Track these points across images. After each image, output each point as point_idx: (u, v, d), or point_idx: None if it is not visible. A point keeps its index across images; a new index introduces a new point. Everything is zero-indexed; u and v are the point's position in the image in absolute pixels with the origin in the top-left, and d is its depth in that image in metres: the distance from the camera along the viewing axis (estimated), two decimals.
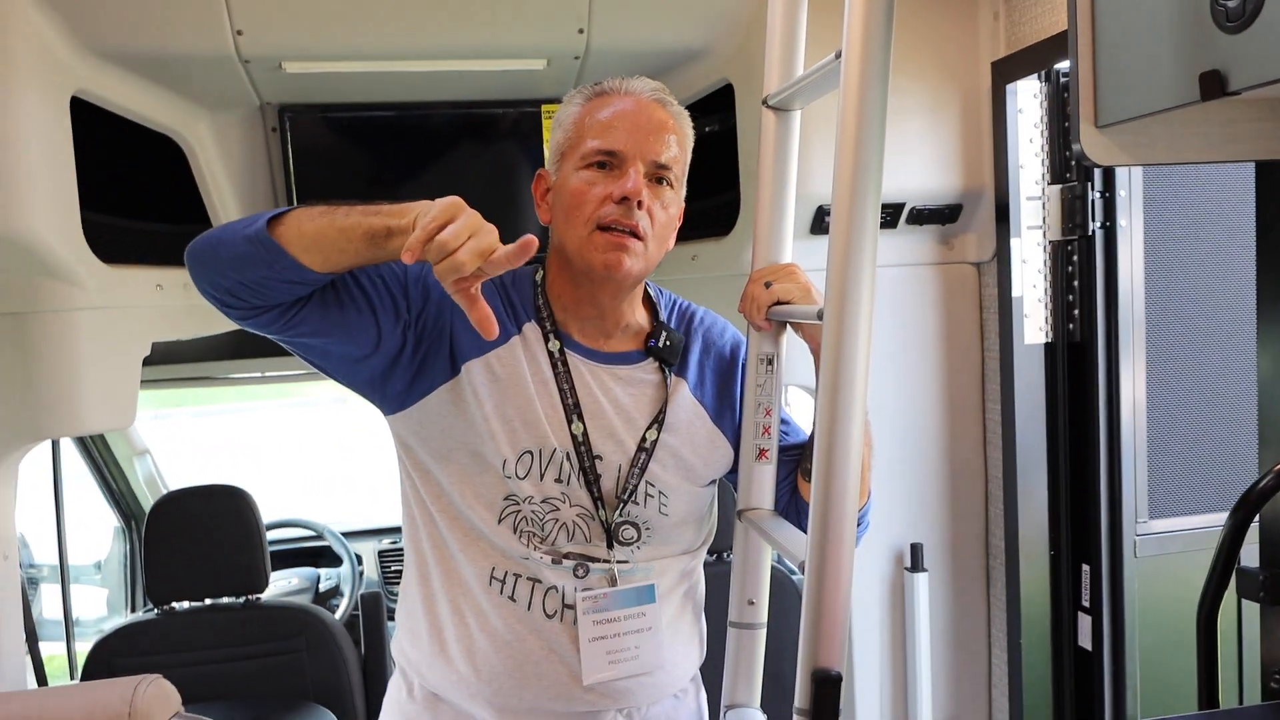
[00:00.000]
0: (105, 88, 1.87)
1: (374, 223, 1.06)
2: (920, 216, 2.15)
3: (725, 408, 1.34)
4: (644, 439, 1.27)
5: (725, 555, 2.25)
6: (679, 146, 1.25)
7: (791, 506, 1.34)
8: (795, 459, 1.34)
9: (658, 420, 1.28)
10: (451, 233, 0.98)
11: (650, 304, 1.36)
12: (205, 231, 1.15)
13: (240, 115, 2.17)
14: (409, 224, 1.03)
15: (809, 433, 1.34)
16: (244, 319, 1.16)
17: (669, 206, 1.25)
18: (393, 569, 3.41)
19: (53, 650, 2.73)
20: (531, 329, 1.27)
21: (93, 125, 1.86)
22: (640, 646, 1.27)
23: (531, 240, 0.98)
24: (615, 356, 1.30)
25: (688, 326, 1.36)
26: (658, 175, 1.23)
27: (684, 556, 1.34)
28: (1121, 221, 1.96)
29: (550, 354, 1.26)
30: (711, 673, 1.39)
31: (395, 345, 1.21)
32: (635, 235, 1.21)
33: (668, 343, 1.31)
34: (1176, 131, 1.11)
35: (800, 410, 1.63)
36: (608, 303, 1.28)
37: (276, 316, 1.14)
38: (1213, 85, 0.93)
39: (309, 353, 1.23)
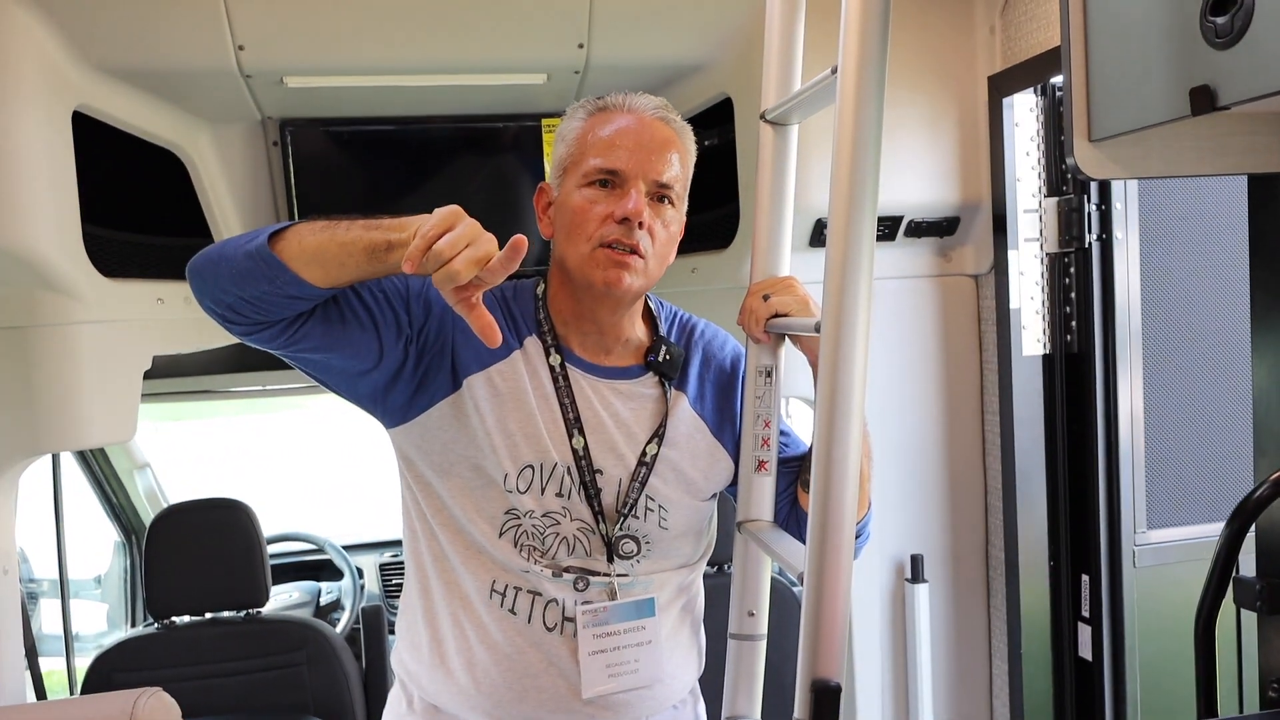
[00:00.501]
0: (107, 102, 1.87)
1: (374, 237, 1.06)
2: (918, 229, 2.16)
3: (725, 421, 1.35)
4: (644, 453, 1.28)
5: (725, 567, 2.25)
6: (680, 164, 1.25)
7: (791, 518, 1.34)
8: (795, 471, 1.34)
9: (658, 434, 1.29)
10: (448, 241, 0.98)
11: (651, 317, 1.37)
12: (206, 247, 1.15)
13: (242, 129, 2.18)
14: (409, 237, 1.03)
15: (809, 444, 1.35)
16: (246, 334, 1.16)
17: (670, 224, 1.26)
18: (394, 582, 3.40)
19: (52, 665, 2.72)
20: (533, 343, 1.28)
21: (94, 139, 1.86)
22: (639, 660, 1.27)
23: (521, 240, 0.97)
24: (615, 371, 1.30)
25: (688, 339, 1.37)
26: (659, 194, 1.23)
27: (683, 570, 1.34)
28: (1118, 234, 1.97)
29: (551, 368, 1.27)
30: (712, 684, 1.39)
31: (397, 360, 1.21)
32: (636, 253, 1.21)
33: (667, 357, 1.31)
34: (1169, 145, 1.12)
35: (801, 422, 1.64)
36: (607, 318, 1.28)
37: (279, 332, 1.14)
38: (1203, 100, 0.94)
39: (311, 367, 1.23)
